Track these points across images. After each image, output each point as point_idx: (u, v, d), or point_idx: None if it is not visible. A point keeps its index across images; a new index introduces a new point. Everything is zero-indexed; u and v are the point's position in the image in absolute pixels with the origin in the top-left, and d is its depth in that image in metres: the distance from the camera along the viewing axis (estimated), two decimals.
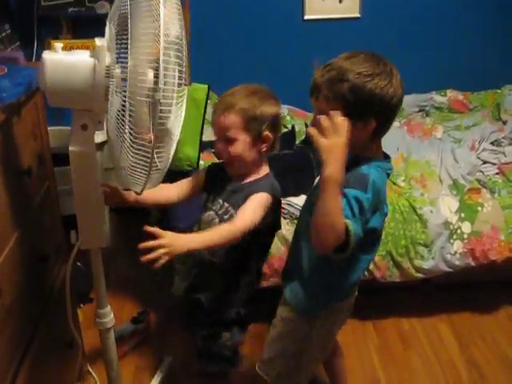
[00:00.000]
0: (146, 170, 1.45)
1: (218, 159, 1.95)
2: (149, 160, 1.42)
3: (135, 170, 1.47)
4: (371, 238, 1.69)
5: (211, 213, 1.93)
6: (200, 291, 2.03)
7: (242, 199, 1.82)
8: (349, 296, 1.87)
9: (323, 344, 1.91)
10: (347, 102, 1.52)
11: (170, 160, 1.55)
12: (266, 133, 1.84)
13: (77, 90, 1.43)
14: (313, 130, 1.47)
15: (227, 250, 1.88)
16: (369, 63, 1.54)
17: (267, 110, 1.83)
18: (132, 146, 1.43)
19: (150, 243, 1.55)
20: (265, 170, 1.94)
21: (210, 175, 1.99)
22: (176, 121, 1.50)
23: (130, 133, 1.42)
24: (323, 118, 1.46)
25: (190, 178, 2.01)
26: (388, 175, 1.69)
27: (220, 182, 1.94)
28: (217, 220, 1.91)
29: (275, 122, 1.87)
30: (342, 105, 1.52)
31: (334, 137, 1.44)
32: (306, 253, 1.77)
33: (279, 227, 2.09)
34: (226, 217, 1.88)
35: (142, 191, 1.52)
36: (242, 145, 1.82)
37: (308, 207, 1.77)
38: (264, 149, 1.87)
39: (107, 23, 1.48)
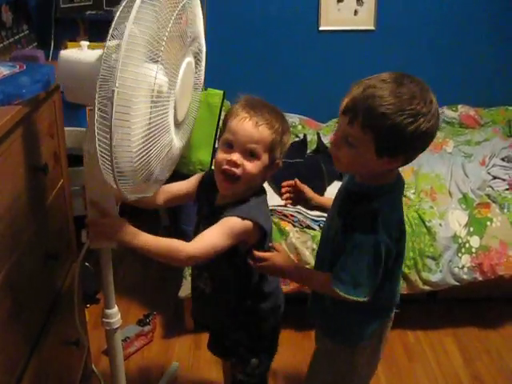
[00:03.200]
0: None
1: (218, 168, 1.66)
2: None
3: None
4: (394, 266, 1.65)
5: (202, 221, 1.80)
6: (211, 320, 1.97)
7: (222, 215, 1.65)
8: (384, 317, 1.79)
9: (370, 369, 1.86)
10: (381, 137, 1.43)
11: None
12: (278, 161, 1.69)
13: (87, 86, 1.40)
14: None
15: (213, 277, 1.80)
16: (417, 100, 1.41)
17: (289, 139, 1.71)
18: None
19: (94, 219, 1.57)
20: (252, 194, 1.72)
21: (204, 184, 1.81)
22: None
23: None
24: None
25: (180, 183, 1.86)
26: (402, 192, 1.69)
27: (211, 194, 1.76)
28: None
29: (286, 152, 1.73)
30: (374, 137, 1.44)
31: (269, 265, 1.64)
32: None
33: None
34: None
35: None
36: (260, 165, 1.63)
37: (324, 241, 1.79)
38: (270, 173, 1.71)
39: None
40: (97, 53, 1.44)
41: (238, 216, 1.60)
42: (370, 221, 1.51)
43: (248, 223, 1.61)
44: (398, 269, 1.71)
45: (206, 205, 1.77)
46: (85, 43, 1.45)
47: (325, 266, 1.68)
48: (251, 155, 1.61)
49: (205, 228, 1.64)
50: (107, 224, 1.58)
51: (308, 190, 1.91)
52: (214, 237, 1.59)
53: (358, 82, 1.47)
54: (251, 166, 1.61)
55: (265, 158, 1.63)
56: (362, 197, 1.55)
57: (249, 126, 1.60)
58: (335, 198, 1.75)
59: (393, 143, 1.44)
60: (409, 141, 1.43)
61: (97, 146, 1.32)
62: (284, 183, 1.91)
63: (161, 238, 1.59)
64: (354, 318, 1.70)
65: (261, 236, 1.67)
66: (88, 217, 1.59)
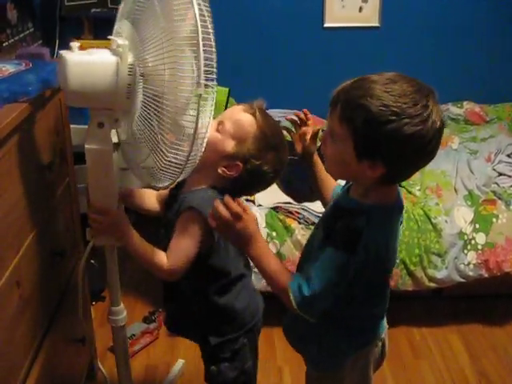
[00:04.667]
0: (180, 166, 1.42)
1: None
2: (184, 158, 1.41)
3: (169, 167, 1.44)
4: (368, 292, 1.49)
5: (162, 230, 1.75)
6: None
7: (175, 211, 1.65)
8: (366, 344, 1.63)
9: None
10: (358, 132, 1.28)
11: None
12: (239, 164, 1.61)
13: (99, 89, 1.43)
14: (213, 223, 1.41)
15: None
16: (405, 99, 1.25)
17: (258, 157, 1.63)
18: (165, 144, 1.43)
19: (95, 215, 1.56)
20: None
21: None
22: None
23: (160, 132, 1.42)
24: (221, 208, 1.38)
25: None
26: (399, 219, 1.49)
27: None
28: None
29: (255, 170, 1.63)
30: (351, 133, 1.29)
31: (238, 224, 1.39)
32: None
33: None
34: (169, 228, 1.67)
35: (168, 186, 1.51)
36: (223, 142, 1.61)
37: (307, 248, 1.65)
38: (223, 171, 1.62)
39: (122, 20, 1.50)
40: (108, 53, 1.44)
41: (186, 209, 1.59)
42: (348, 238, 1.35)
43: (195, 212, 1.58)
44: (379, 297, 1.59)
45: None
46: (75, 44, 1.44)
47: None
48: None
49: (167, 216, 1.68)
50: (108, 219, 1.58)
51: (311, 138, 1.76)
52: (179, 245, 1.60)
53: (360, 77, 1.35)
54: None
55: (228, 143, 1.60)
56: (348, 212, 1.41)
57: (238, 109, 1.64)
58: (325, 210, 1.67)
59: (370, 142, 1.28)
60: (386, 141, 1.26)
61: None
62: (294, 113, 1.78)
63: (149, 249, 1.60)
64: (332, 340, 1.58)
65: (208, 232, 1.61)
66: (89, 214, 1.59)
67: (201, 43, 1.31)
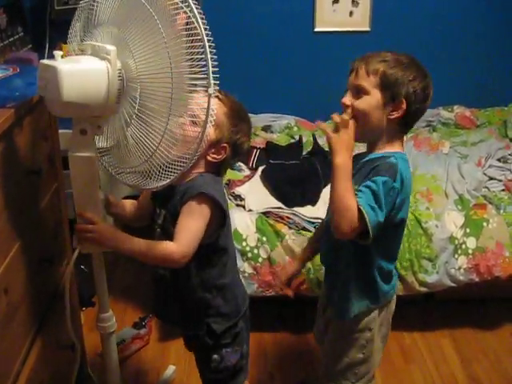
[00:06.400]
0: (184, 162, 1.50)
1: None
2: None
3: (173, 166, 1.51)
4: (400, 228, 1.79)
5: (158, 230, 1.78)
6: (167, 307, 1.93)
7: (178, 203, 1.68)
8: (392, 294, 1.92)
9: (384, 334, 1.96)
10: (385, 78, 1.64)
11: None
12: (225, 146, 1.70)
13: (93, 97, 1.43)
14: (324, 125, 1.66)
15: None
16: (414, 67, 1.70)
17: (242, 140, 1.75)
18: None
19: (82, 226, 1.60)
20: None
21: None
22: None
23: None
24: (335, 115, 1.63)
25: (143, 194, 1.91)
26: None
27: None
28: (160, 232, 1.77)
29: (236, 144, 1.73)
30: (379, 81, 1.65)
31: (343, 131, 1.61)
32: (345, 261, 1.82)
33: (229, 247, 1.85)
34: (167, 225, 1.72)
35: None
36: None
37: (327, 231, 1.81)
38: (213, 157, 1.70)
39: (106, 27, 1.51)
40: (96, 60, 1.44)
41: (194, 195, 1.63)
42: (388, 167, 1.64)
43: (202, 196, 1.64)
44: (398, 243, 1.86)
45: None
46: (58, 53, 1.41)
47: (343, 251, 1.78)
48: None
49: (163, 217, 1.72)
50: (95, 230, 1.60)
51: None
52: (188, 226, 1.63)
53: None
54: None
55: (209, 132, 1.60)
56: (378, 159, 1.69)
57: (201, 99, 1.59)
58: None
59: (394, 86, 1.64)
60: (404, 81, 1.65)
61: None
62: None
63: (150, 243, 1.64)
64: (371, 280, 1.81)
65: (219, 214, 1.69)
66: (76, 223, 1.62)
67: (207, 44, 1.40)
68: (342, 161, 1.59)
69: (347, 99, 1.68)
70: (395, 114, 1.67)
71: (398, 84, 1.64)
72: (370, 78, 1.65)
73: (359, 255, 1.76)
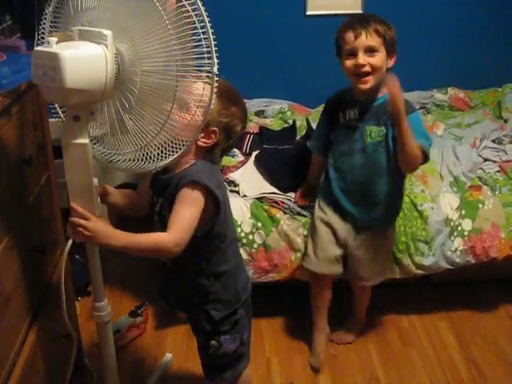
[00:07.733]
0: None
1: None
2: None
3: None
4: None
5: (156, 217, 1.77)
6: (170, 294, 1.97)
7: (174, 191, 1.67)
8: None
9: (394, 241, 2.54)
10: (385, 38, 2.14)
11: None
12: (215, 129, 1.67)
13: (93, 82, 1.42)
14: (396, 88, 1.93)
15: None
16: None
17: (235, 123, 1.72)
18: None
19: (75, 220, 1.58)
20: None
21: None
22: None
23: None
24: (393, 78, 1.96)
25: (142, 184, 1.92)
26: None
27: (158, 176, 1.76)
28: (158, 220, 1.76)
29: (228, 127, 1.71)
30: (382, 41, 2.13)
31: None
32: (384, 187, 2.30)
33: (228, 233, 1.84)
34: (164, 212, 1.71)
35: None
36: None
37: (360, 165, 2.30)
38: (203, 142, 1.68)
39: (96, 12, 1.49)
40: (93, 45, 1.42)
41: (188, 183, 1.63)
42: (411, 106, 2.18)
43: (195, 184, 1.63)
44: None
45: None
46: (53, 39, 1.38)
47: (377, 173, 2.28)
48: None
49: (160, 205, 1.72)
50: (88, 228, 1.58)
51: None
52: (181, 215, 1.62)
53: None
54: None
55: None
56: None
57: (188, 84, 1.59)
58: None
59: (392, 42, 2.17)
60: (395, 40, 2.20)
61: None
62: None
63: (141, 236, 1.63)
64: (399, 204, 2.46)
65: (212, 203, 1.68)
66: (70, 218, 1.60)
67: (208, 24, 1.44)
68: (406, 123, 2.00)
69: (363, 59, 2.11)
70: (391, 63, 2.18)
71: (394, 41, 2.18)
72: (377, 38, 2.12)
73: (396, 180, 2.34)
